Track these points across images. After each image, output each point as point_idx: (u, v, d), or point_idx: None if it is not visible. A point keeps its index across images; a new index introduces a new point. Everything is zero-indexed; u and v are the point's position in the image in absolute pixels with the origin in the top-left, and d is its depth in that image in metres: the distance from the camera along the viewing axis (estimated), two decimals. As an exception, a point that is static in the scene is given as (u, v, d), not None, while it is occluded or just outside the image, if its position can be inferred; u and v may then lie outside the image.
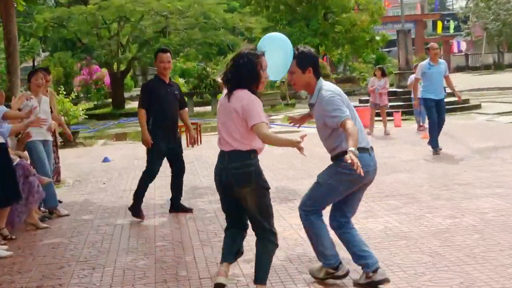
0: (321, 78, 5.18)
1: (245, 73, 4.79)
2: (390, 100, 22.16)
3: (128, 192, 9.82)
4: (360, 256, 5.14)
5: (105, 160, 14.14)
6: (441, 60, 12.79)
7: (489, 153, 11.90)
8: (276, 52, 5.07)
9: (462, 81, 45.59)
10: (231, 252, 5.04)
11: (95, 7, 28.73)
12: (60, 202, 9.05)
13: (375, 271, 5.07)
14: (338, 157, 5.03)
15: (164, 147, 8.13)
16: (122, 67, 34.05)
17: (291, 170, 11.27)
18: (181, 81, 34.87)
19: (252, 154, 4.81)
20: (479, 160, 11.19)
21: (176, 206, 8.40)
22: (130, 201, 9.17)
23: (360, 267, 5.17)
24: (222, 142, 4.91)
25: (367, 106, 18.27)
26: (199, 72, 33.40)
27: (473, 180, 9.29)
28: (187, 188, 10.00)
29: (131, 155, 14.75)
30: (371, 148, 5.14)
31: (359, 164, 4.52)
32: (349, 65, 50.23)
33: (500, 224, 6.72)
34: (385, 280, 5.07)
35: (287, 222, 7.38)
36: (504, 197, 7.98)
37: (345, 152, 4.70)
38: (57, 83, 31.42)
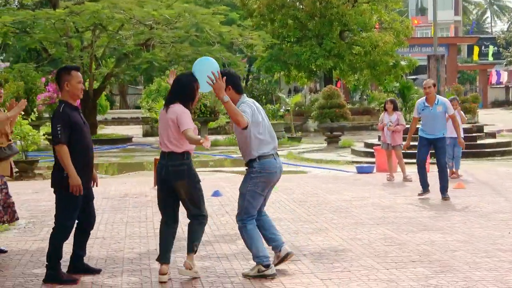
0: (244, 94, 7.53)
1: (185, 91, 7.36)
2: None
3: (93, 241, 9.45)
4: (269, 238, 7.74)
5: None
6: (441, 100, 13.24)
7: (539, 211, 11.59)
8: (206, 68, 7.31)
9: (501, 119, 45.55)
10: (168, 251, 7.48)
11: (65, 12, 28.44)
12: (5, 251, 8.79)
13: (267, 266, 7.40)
14: (248, 164, 7.48)
15: (83, 193, 7.56)
16: (96, 85, 33.79)
17: (296, 222, 10.92)
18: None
19: (186, 155, 7.33)
20: (526, 219, 10.86)
21: (78, 267, 7.89)
22: (96, 252, 8.84)
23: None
24: (163, 145, 7.34)
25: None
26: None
27: (520, 245, 8.95)
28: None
29: (100, 192, 14.38)
30: (276, 154, 7.57)
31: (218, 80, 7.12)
32: (367, 93, 50.16)
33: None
34: (274, 276, 7.43)
35: (288, 290, 7.03)
36: (560, 270, 7.63)
37: (254, 160, 7.39)
38: (15, 100, 31.13)
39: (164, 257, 7.46)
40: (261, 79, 53.64)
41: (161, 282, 7.34)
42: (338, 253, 8.69)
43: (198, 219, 7.45)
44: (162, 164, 7.35)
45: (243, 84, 45.67)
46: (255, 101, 7.60)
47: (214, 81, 7.13)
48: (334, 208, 12.15)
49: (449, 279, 7.38)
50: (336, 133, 29.14)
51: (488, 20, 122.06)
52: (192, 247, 7.47)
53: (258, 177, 7.42)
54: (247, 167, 7.54)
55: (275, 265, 7.65)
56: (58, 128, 7.37)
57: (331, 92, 29.73)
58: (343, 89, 49.37)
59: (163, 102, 7.69)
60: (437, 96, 13.22)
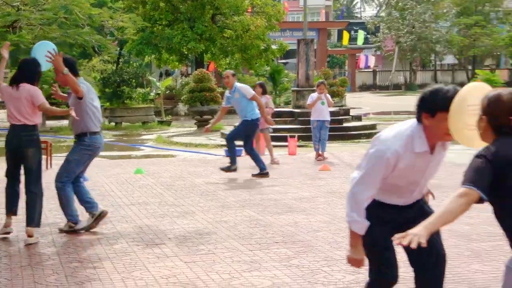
0: (81, 77, 8.87)
1: (32, 72, 8.61)
2: (286, 122, 22.30)
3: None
4: (85, 201, 8.94)
5: None
6: (237, 87, 14.07)
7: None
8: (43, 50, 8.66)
9: (368, 102, 46.71)
10: (15, 203, 8.65)
11: None
12: None
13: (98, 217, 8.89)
14: (79, 137, 8.78)
15: None
16: (-41, 67, 32.62)
17: (163, 205, 10.88)
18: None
19: (35, 127, 8.48)
20: (387, 199, 11.14)
21: None
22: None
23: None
24: (14, 119, 8.40)
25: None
26: (55, 78, 32.51)
27: (380, 225, 9.19)
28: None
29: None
30: (101, 130, 8.89)
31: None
32: (239, 77, 50.39)
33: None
34: (86, 228, 8.80)
35: (150, 274, 7.00)
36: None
37: (85, 134, 8.71)
38: None
39: (9, 210, 8.69)
40: (131, 62, 53.04)
41: (5, 233, 8.63)
42: (203, 236, 8.73)
43: (34, 191, 8.47)
44: (14, 134, 8.45)
45: (114, 67, 45.05)
46: (89, 85, 8.99)
47: (53, 58, 8.39)
48: (201, 191, 12.19)
49: (311, 258, 7.54)
50: (206, 117, 29.13)
51: (358, 5, 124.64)
52: (35, 220, 8.45)
53: (87, 150, 8.81)
54: (75, 140, 8.88)
55: (92, 223, 8.87)
56: None
57: (202, 76, 29.71)
58: (214, 73, 49.42)
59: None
60: (235, 84, 14.06)
